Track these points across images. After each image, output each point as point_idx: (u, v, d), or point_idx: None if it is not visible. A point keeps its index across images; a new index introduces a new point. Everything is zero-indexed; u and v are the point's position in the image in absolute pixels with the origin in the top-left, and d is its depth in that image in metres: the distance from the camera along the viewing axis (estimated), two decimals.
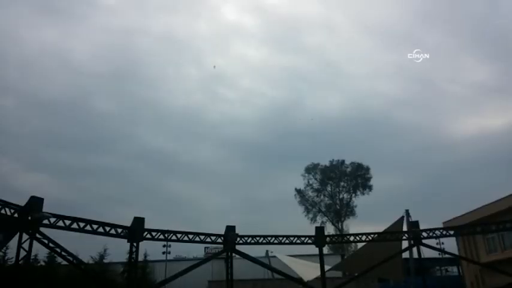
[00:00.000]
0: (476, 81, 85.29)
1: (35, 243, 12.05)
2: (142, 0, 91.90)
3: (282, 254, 29.78)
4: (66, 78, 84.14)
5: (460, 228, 22.21)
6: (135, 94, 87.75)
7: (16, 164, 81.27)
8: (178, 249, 40.69)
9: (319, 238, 17.16)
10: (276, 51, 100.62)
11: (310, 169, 61.46)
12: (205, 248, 39.60)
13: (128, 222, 14.43)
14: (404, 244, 18.49)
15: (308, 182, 61.12)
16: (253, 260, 17.36)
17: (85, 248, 23.25)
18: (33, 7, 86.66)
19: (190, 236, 15.59)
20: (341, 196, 60.44)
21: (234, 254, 16.22)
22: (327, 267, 17.97)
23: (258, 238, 16.61)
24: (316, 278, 20.98)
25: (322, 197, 60.78)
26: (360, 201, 59.34)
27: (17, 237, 11.63)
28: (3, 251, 21.15)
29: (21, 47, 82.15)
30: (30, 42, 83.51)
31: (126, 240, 14.20)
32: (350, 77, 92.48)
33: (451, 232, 19.30)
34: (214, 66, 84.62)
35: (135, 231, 14.25)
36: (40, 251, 21.97)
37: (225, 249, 16.15)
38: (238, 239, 16.03)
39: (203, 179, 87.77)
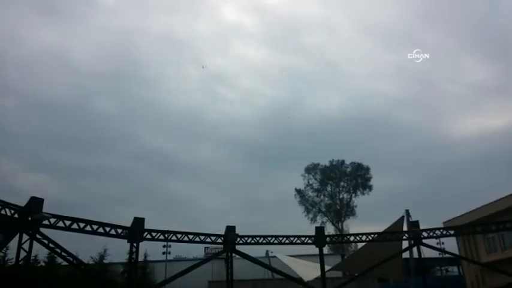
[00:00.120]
0: (476, 81, 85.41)
1: (35, 244, 12.05)
2: (142, 0, 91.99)
3: (282, 254, 29.78)
4: (66, 78, 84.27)
5: (460, 228, 22.22)
6: (135, 94, 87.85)
7: (16, 164, 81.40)
8: (178, 250, 40.78)
9: (319, 238, 17.15)
10: (276, 51, 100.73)
11: (310, 169, 61.47)
12: (205, 248, 39.61)
13: (128, 223, 14.43)
14: (405, 244, 18.48)
15: (308, 182, 61.24)
16: (253, 260, 17.35)
17: (85, 248, 23.26)
18: (32, 7, 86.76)
19: (190, 236, 15.58)
20: (341, 196, 60.48)
21: (234, 254, 16.21)
22: (327, 267, 17.96)
23: (258, 238, 16.60)
24: (316, 278, 20.98)
25: (322, 197, 60.85)
26: (360, 201, 59.46)
27: (17, 237, 11.62)
28: (3, 251, 21.15)
29: (21, 47, 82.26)
30: (30, 42, 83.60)
31: (126, 240, 14.19)
32: (350, 77, 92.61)
33: (451, 232, 19.28)
34: (203, 66, 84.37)
35: (135, 231, 14.24)
36: (40, 252, 22.02)
37: (225, 250, 16.14)
38: (238, 239, 16.02)
39: (203, 179, 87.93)
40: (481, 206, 30.73)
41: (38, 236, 12.09)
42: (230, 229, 15.86)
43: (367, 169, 59.92)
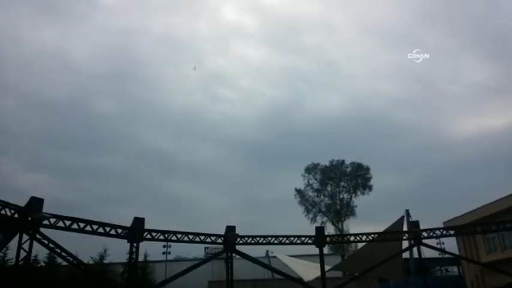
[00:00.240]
0: (476, 81, 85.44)
1: (35, 244, 12.05)
2: (142, 0, 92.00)
3: (282, 254, 29.78)
4: (66, 79, 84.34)
5: (460, 228, 22.22)
6: (135, 94, 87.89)
7: (16, 164, 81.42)
8: (178, 250, 40.76)
9: (319, 238, 17.15)
10: (276, 51, 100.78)
11: (310, 169, 61.46)
12: (205, 248, 39.60)
13: (128, 223, 14.44)
14: (405, 244, 18.49)
15: (308, 182, 61.20)
16: (253, 260, 17.34)
17: (85, 248, 23.25)
18: (32, 7, 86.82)
19: (191, 237, 15.58)
20: (341, 196, 60.46)
21: (234, 254, 16.21)
22: (327, 267, 17.96)
23: (258, 238, 16.60)
24: (316, 278, 20.99)
25: (322, 197, 60.82)
26: (360, 201, 59.44)
27: (17, 237, 11.62)
28: (3, 251, 21.15)
29: (21, 47, 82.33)
30: (30, 42, 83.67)
31: (126, 240, 14.19)
32: (350, 77, 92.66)
33: (451, 232, 19.28)
34: (194, 68, 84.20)
35: (135, 231, 14.24)
36: (40, 252, 22.01)
37: (225, 250, 16.14)
38: (238, 239, 16.02)
39: (203, 179, 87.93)
40: (481, 206, 30.73)
41: (38, 236, 12.10)
42: (230, 229, 15.86)
43: (367, 169, 59.94)
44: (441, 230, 18.25)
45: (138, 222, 14.40)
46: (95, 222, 13.45)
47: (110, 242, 17.83)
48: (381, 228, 20.32)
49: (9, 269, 19.32)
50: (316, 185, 61.16)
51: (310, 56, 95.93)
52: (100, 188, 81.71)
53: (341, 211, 59.12)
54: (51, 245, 12.43)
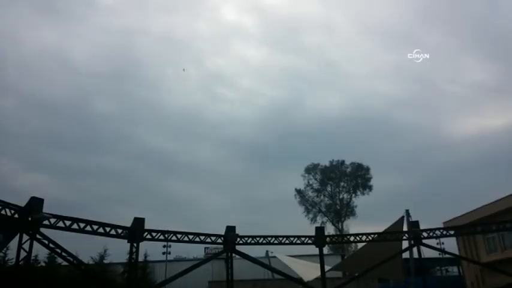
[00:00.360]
0: (476, 81, 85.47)
1: (35, 244, 12.06)
2: (142, 0, 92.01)
3: (282, 254, 29.78)
4: (66, 79, 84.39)
5: (460, 228, 22.21)
6: (135, 94, 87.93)
7: (16, 164, 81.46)
8: (178, 250, 40.78)
9: (319, 238, 17.15)
10: (276, 51, 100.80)
11: (310, 169, 61.48)
12: (205, 248, 39.61)
13: (128, 223, 14.44)
14: (405, 244, 18.48)
15: (308, 182, 61.26)
16: (253, 260, 17.35)
17: (85, 248, 23.26)
18: (32, 7, 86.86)
19: (191, 237, 15.58)
20: (341, 196, 60.49)
21: (234, 255, 16.22)
22: (327, 268, 17.96)
23: (258, 238, 16.60)
24: (316, 278, 20.98)
25: (322, 197, 60.87)
26: (360, 201, 59.50)
27: (17, 238, 11.62)
28: (3, 251, 21.14)
29: (21, 47, 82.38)
30: (30, 42, 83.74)
31: (126, 240, 14.19)
32: (350, 77, 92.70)
33: (451, 232, 19.28)
34: (183, 69, 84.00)
35: (135, 231, 14.25)
36: (40, 252, 22.02)
37: (225, 250, 16.14)
38: (238, 239, 16.02)
39: (203, 179, 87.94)
40: (481, 206, 30.74)
41: (38, 236, 12.10)
42: (230, 229, 15.87)
43: (367, 169, 59.98)
44: (441, 230, 18.25)
45: (138, 222, 14.40)
46: (95, 223, 13.45)
47: (110, 242, 17.83)
48: (381, 228, 20.33)
49: (10, 269, 19.31)
50: (316, 185, 61.25)
51: (310, 56, 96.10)
52: (100, 188, 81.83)
53: (341, 211, 59.13)
54: (51, 245, 12.44)
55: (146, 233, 14.55)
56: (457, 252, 33.61)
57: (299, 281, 19.78)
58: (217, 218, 68.94)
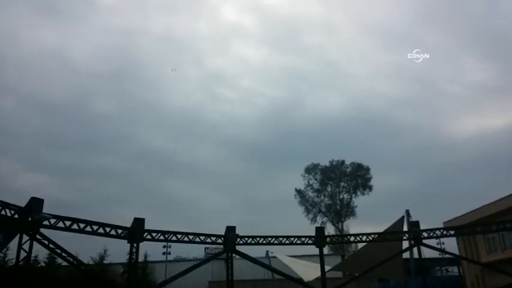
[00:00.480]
0: (476, 81, 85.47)
1: (35, 244, 12.06)
2: (142, 0, 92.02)
3: (282, 255, 29.78)
4: (66, 79, 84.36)
5: (461, 228, 22.20)
6: (135, 94, 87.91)
7: (16, 164, 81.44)
8: (178, 250, 40.80)
9: (319, 238, 17.15)
10: (276, 51, 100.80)
11: (310, 169, 61.46)
12: (205, 248, 39.60)
13: (128, 223, 14.44)
14: (405, 244, 18.49)
15: (308, 182, 61.22)
16: (254, 260, 17.35)
17: (85, 248, 23.24)
18: (32, 7, 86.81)
19: (191, 237, 15.58)
20: (341, 196, 60.46)
21: (234, 255, 16.22)
22: (327, 268, 17.96)
23: (258, 239, 16.60)
24: (317, 279, 20.97)
25: (322, 197, 60.83)
26: (360, 201, 59.45)
27: (17, 238, 11.62)
28: (3, 252, 21.11)
29: (21, 47, 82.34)
30: (30, 42, 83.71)
31: (126, 241, 14.19)
32: (350, 77, 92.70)
33: (452, 232, 19.28)
34: (173, 70, 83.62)
35: (135, 232, 14.24)
36: (40, 252, 22.00)
37: (225, 250, 16.14)
38: (238, 239, 16.02)
39: (203, 179, 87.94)
40: (481, 206, 30.73)
41: (38, 236, 12.10)
42: (230, 229, 15.87)
43: (367, 169, 59.94)
44: (441, 230, 18.26)
45: (138, 222, 14.40)
46: (95, 223, 13.45)
47: (110, 242, 17.84)
48: (381, 228, 20.34)
49: (10, 269, 19.31)
50: (316, 185, 61.22)
51: (310, 56, 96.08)
52: (100, 188, 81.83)
53: (341, 211, 59.11)
54: (51, 245, 12.43)
55: (146, 234, 14.54)
56: (457, 252, 33.60)
57: (299, 281, 19.78)
58: (217, 218, 69.07)
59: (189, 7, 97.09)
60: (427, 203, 61.69)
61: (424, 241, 17.68)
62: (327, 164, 61.36)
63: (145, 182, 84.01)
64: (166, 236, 15.07)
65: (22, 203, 11.90)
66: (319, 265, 17.30)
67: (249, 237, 16.42)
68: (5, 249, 18.65)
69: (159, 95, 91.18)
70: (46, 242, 12.32)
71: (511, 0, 76.31)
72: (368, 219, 60.71)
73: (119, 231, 13.99)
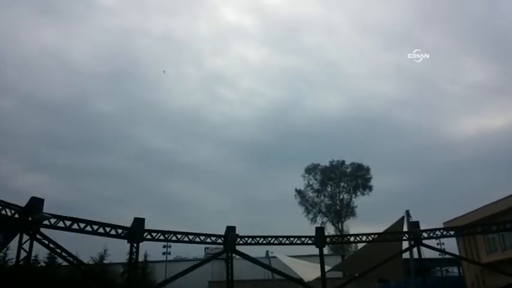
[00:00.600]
0: (476, 81, 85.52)
1: (36, 244, 12.05)
2: (141, 0, 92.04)
3: (282, 255, 29.75)
4: (66, 79, 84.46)
5: (461, 228, 22.18)
6: (134, 94, 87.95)
7: (16, 164, 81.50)
8: (178, 250, 40.80)
9: (319, 238, 17.14)
10: (276, 51, 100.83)
11: (310, 169, 61.48)
12: (205, 248, 39.63)
13: (128, 223, 14.43)
14: (405, 244, 18.47)
15: (308, 182, 61.28)
16: (254, 260, 17.34)
17: (85, 248, 23.25)
18: (32, 7, 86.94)
19: (191, 237, 15.56)
20: (341, 196, 60.48)
21: (234, 255, 16.21)
22: (327, 268, 17.95)
23: (258, 239, 16.59)
24: (317, 279, 20.96)
25: (322, 197, 60.86)
26: (360, 201, 59.50)
27: (17, 238, 11.62)
28: (3, 251, 21.12)
29: (21, 47, 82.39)
30: (29, 43, 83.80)
31: (126, 240, 14.18)
32: (350, 77, 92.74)
33: (452, 232, 19.26)
34: (164, 71, 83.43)
35: (135, 231, 14.24)
36: (40, 252, 22.01)
37: (225, 250, 16.13)
38: (238, 239, 16.01)
39: (203, 179, 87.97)
40: (481, 206, 30.75)
41: (38, 236, 12.09)
42: (230, 229, 15.86)
43: (367, 169, 59.98)
44: (441, 231, 18.24)
45: (138, 222, 14.40)
46: (95, 223, 13.44)
47: (110, 242, 17.87)
48: (381, 228, 20.32)
49: (10, 269, 19.31)
50: (316, 186, 61.26)
51: (310, 56, 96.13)
52: (100, 188, 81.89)
53: (341, 211, 59.11)
54: (51, 245, 12.43)
55: (146, 233, 14.53)
56: (457, 253, 33.59)
57: (299, 281, 19.77)
58: (217, 218, 69.11)
59: (189, 7, 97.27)
60: (427, 203, 61.80)
61: (424, 241, 17.66)
62: (327, 164, 61.45)
63: (145, 182, 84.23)
64: (166, 236, 15.06)
65: (22, 203, 11.90)
66: (319, 265, 17.29)
67: (249, 237, 16.41)
68: (5, 249, 18.70)
69: (159, 95, 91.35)
70: (46, 242, 12.32)
71: (511, 0, 76.37)
72: (368, 219, 60.81)
73: (119, 231, 13.99)
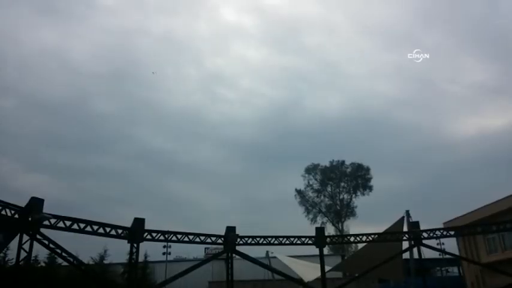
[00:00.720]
0: (476, 81, 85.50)
1: (36, 244, 12.05)
2: (141, 0, 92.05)
3: (282, 255, 29.75)
4: (66, 79, 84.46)
5: (461, 228, 22.20)
6: (134, 94, 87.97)
7: (16, 164, 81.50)
8: (178, 250, 40.85)
9: (319, 239, 17.14)
10: (276, 51, 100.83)
11: (310, 169, 61.46)
12: (205, 248, 39.64)
13: (128, 223, 14.44)
14: (405, 245, 18.46)
15: (308, 182, 61.23)
16: (254, 260, 17.34)
17: (85, 248, 23.25)
18: (32, 7, 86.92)
19: (191, 237, 15.57)
20: (341, 197, 60.46)
21: (234, 255, 16.21)
22: (327, 268, 17.95)
23: (258, 239, 16.59)
24: (317, 279, 20.96)
25: (322, 197, 60.82)
26: (360, 201, 59.45)
27: (17, 238, 11.62)
28: (3, 252, 21.10)
29: (21, 47, 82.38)
30: (29, 43, 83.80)
31: (126, 241, 14.19)
32: (350, 77, 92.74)
33: (452, 232, 19.27)
34: (153, 72, 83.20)
35: (136, 232, 14.24)
36: (40, 252, 22.00)
37: (225, 250, 16.13)
38: (238, 239, 16.01)
39: (203, 179, 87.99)
40: (481, 207, 30.75)
41: (38, 236, 12.09)
42: (230, 229, 15.86)
43: (367, 169, 59.94)
44: (441, 231, 18.24)
45: (138, 222, 14.40)
46: (95, 223, 13.44)
47: (110, 242, 17.85)
48: (381, 228, 20.32)
49: (10, 269, 19.31)
50: (316, 186, 61.22)
51: (310, 56, 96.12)
52: (100, 188, 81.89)
53: (341, 212, 59.10)
54: (51, 245, 12.43)
55: (146, 234, 14.53)
56: (457, 253, 33.59)
57: (299, 281, 19.78)
58: (217, 218, 69.11)
59: (189, 7, 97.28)
60: (427, 203, 61.79)
61: (424, 241, 17.67)
62: (327, 164, 61.43)
63: (145, 182, 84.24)
64: (166, 236, 15.06)
65: (22, 203, 11.90)
66: (319, 265, 17.29)
67: (249, 237, 16.41)
68: (5, 249, 18.68)
69: (159, 95, 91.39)
70: (46, 242, 12.32)
71: (511, 0, 76.38)
72: (368, 219, 60.79)
73: (119, 231, 13.99)
